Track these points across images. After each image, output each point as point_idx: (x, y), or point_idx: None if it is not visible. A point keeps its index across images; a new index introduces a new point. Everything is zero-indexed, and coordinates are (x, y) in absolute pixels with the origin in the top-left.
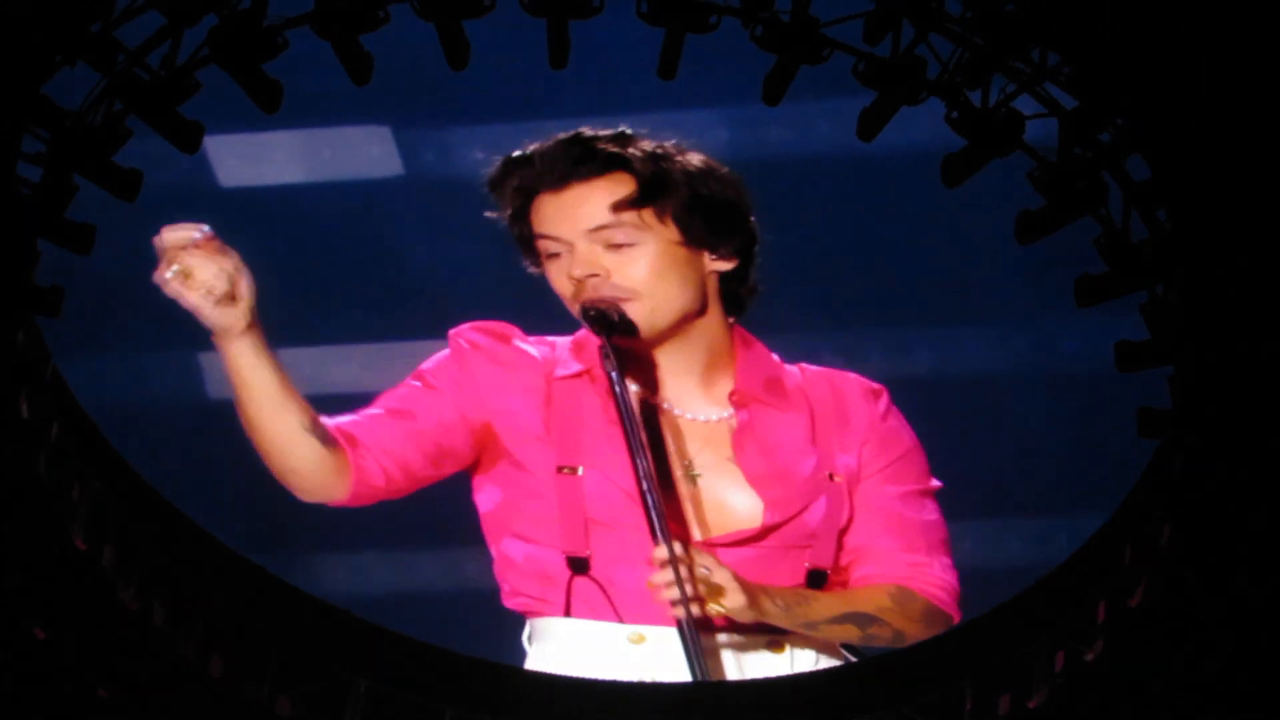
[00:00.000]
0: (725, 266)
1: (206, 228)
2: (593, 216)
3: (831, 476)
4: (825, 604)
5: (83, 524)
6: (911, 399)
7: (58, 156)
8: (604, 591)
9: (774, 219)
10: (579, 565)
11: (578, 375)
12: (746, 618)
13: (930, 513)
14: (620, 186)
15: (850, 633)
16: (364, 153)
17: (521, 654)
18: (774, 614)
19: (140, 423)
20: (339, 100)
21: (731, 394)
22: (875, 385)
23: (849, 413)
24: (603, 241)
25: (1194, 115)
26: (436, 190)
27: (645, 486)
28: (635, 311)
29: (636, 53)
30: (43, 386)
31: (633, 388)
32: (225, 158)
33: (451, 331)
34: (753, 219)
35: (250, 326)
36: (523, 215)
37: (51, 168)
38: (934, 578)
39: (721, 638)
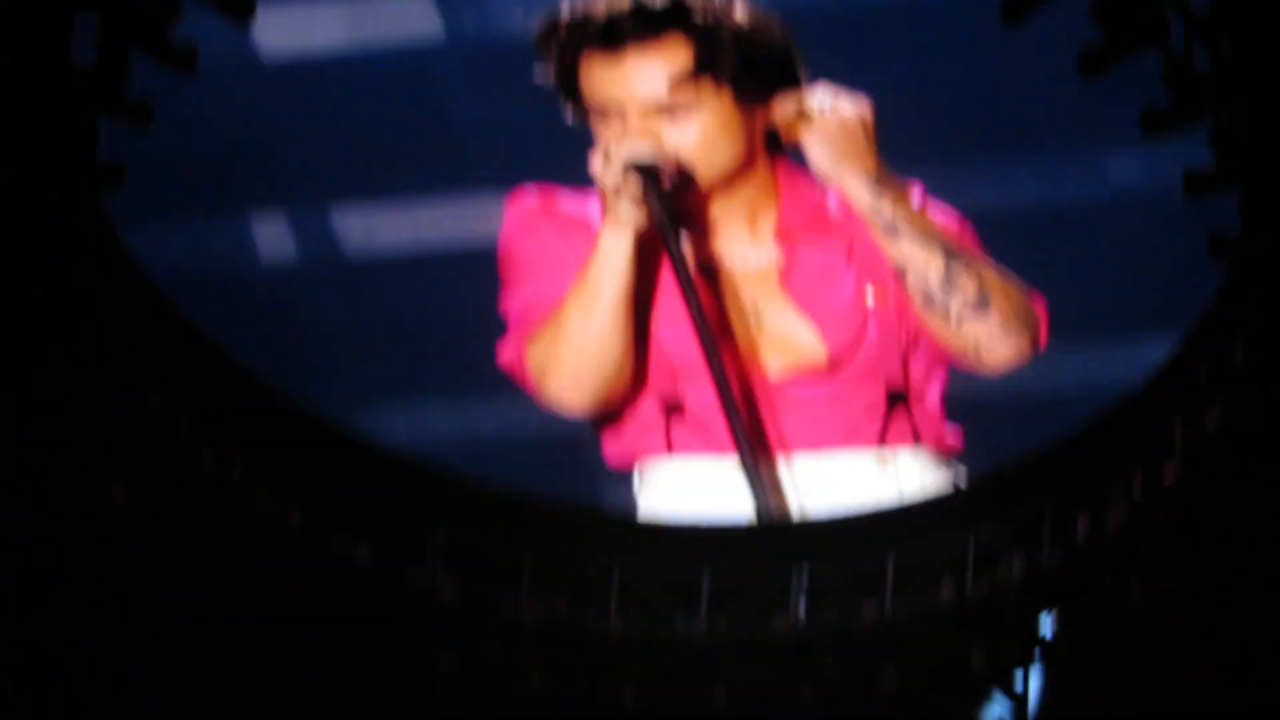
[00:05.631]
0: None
1: None
2: (650, 92)
3: (873, 293)
4: (923, 221)
5: (159, 388)
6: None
7: (113, 33)
8: (704, 427)
9: (831, 64)
10: (675, 408)
11: None
12: (824, 167)
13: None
14: (676, 52)
15: (933, 264)
16: (404, 19)
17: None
18: (857, 189)
19: (191, 290)
20: None
21: (776, 231)
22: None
23: None
24: (657, 112)
25: None
26: (478, 51)
27: (703, 332)
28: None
29: None
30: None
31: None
32: (266, 31)
33: (508, 200)
34: (801, 72)
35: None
36: (572, 73)
37: (107, 45)
38: (1037, 297)
39: (822, 459)
